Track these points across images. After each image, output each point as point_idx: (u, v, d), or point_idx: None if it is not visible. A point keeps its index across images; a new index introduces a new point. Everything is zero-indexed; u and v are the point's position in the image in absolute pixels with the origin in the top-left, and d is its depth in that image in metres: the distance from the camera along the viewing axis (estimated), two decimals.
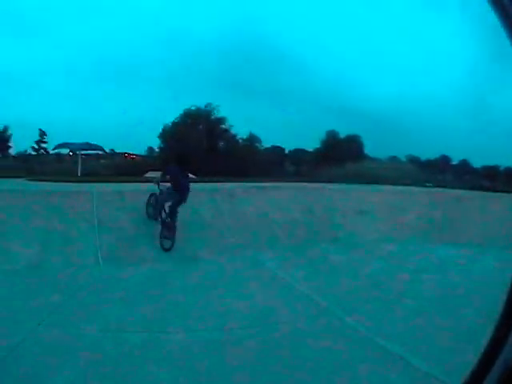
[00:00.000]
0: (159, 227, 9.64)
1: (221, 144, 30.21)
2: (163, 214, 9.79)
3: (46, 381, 4.04)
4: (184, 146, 24.53)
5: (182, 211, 9.81)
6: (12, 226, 9.05)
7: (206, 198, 11.24)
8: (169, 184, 9.72)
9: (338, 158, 28.57)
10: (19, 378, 4.09)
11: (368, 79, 31.20)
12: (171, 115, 28.24)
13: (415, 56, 27.92)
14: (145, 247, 9.37)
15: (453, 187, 19.45)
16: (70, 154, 29.63)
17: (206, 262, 9.04)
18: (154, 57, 29.01)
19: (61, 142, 26.85)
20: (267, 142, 31.52)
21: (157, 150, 30.93)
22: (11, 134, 31.31)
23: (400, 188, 15.53)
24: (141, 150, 32.14)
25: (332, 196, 12.67)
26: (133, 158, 31.98)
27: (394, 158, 31.25)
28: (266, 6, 31.68)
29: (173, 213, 9.69)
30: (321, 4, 30.34)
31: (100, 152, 29.42)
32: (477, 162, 29.93)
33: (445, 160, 31.67)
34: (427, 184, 21.48)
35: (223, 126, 29.99)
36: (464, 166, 31.02)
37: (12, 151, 32.31)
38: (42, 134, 29.76)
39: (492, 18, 1.18)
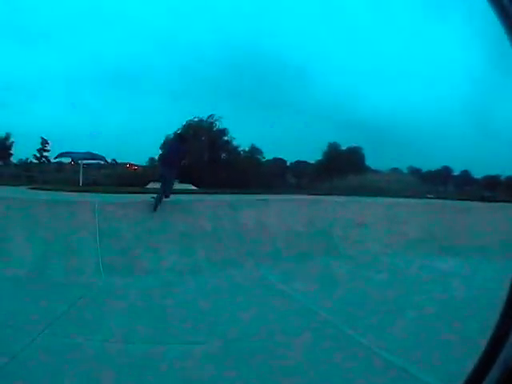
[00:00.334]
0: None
1: (223, 156, 30.26)
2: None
3: None
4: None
5: (183, 223, 9.87)
6: (13, 234, 9.03)
7: (207, 209, 11.23)
8: None
9: (340, 170, 28.64)
10: None
11: (369, 91, 31.42)
12: (173, 126, 28.31)
13: (416, 68, 28.09)
14: (146, 258, 9.33)
15: (454, 198, 19.45)
16: (72, 163, 29.72)
17: (207, 274, 8.98)
18: (157, 68, 29.30)
19: (63, 150, 26.99)
20: (269, 154, 31.65)
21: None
22: (13, 142, 31.44)
23: (401, 200, 15.51)
24: (142, 160, 32.24)
25: (333, 209, 12.62)
26: (135, 169, 32.04)
27: (395, 170, 31.35)
28: (270, 19, 31.95)
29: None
30: (324, 16, 30.64)
31: (102, 162, 29.51)
32: (478, 173, 29.96)
33: (446, 171, 31.70)
34: (429, 196, 21.48)
35: (225, 138, 30.07)
36: (465, 176, 31.03)
37: (13, 159, 32.43)
38: (44, 142, 29.83)
39: (493, 25, 1.18)
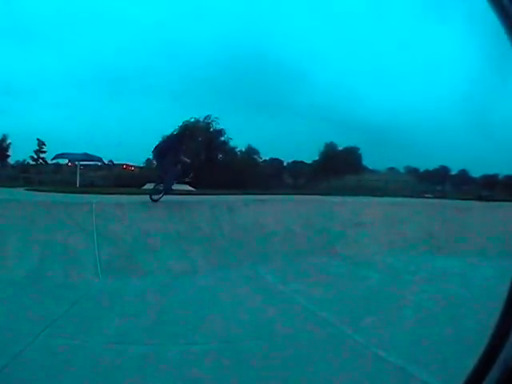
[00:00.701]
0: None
1: (219, 156, 30.25)
2: None
3: None
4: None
5: (180, 224, 9.86)
6: (10, 236, 9.00)
7: (205, 210, 11.23)
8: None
9: (337, 170, 28.67)
10: None
11: (367, 91, 31.47)
12: (170, 127, 28.26)
13: (414, 67, 28.18)
14: (144, 259, 9.32)
15: (452, 198, 19.50)
16: (69, 164, 29.70)
17: (205, 275, 8.97)
18: (154, 68, 29.24)
19: (60, 152, 26.95)
20: (266, 155, 31.67)
21: (155, 162, 30.85)
22: (10, 143, 31.39)
23: (399, 200, 15.54)
24: (139, 161, 32.18)
25: (331, 208, 12.64)
26: (131, 170, 32.02)
27: (392, 170, 31.40)
28: (268, 20, 31.99)
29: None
30: (322, 17, 30.68)
31: (99, 163, 29.49)
32: (476, 172, 30.02)
33: (444, 170, 31.75)
34: (426, 195, 21.55)
35: (222, 139, 30.06)
36: (463, 176, 31.07)
37: (10, 160, 32.38)
38: (41, 143, 29.80)
39: (492, 25, 1.19)
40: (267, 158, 32.04)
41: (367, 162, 30.84)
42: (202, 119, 29.34)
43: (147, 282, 8.31)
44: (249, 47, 28.89)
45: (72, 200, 12.12)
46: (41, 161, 30.65)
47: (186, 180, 11.51)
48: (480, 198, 19.01)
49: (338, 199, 14.45)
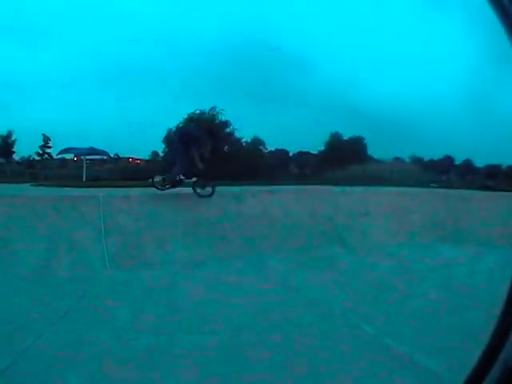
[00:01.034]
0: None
1: (225, 148, 30.20)
2: None
3: None
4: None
5: (185, 214, 9.93)
6: (18, 230, 9.09)
7: (212, 201, 11.27)
8: None
9: (342, 159, 28.59)
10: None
11: (371, 80, 31.26)
12: (175, 119, 28.22)
13: (418, 56, 27.86)
14: (151, 252, 9.39)
15: (457, 187, 19.44)
16: (75, 159, 29.80)
17: (212, 266, 9.03)
18: (158, 60, 29.13)
19: (65, 147, 27.04)
20: (271, 145, 31.61)
21: (161, 154, 30.94)
22: (15, 140, 31.50)
23: (404, 189, 15.50)
24: (145, 154, 32.24)
25: (337, 198, 12.63)
26: (137, 163, 32.09)
27: (397, 159, 31.25)
28: (270, 9, 31.76)
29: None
30: (324, 6, 30.43)
31: (104, 157, 29.57)
32: (480, 162, 29.83)
33: (449, 160, 31.60)
34: (432, 185, 21.49)
35: (227, 130, 29.99)
36: (467, 165, 30.92)
37: (16, 156, 32.52)
38: (46, 139, 29.90)
39: (492, 18, 1.20)
40: (273, 149, 32.00)
41: (372, 151, 30.71)
42: (207, 111, 29.23)
43: (155, 274, 8.40)
44: (251, 37, 28.69)
45: (79, 194, 12.19)
46: (46, 156, 30.77)
47: (193, 180, 11.40)
48: (484, 188, 18.96)
49: (343, 189, 14.41)
